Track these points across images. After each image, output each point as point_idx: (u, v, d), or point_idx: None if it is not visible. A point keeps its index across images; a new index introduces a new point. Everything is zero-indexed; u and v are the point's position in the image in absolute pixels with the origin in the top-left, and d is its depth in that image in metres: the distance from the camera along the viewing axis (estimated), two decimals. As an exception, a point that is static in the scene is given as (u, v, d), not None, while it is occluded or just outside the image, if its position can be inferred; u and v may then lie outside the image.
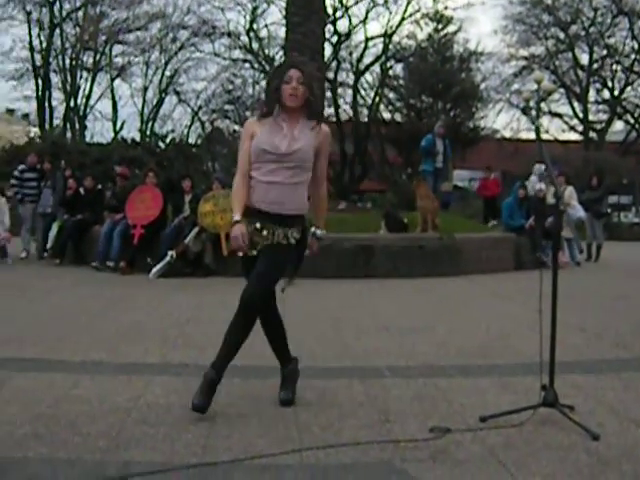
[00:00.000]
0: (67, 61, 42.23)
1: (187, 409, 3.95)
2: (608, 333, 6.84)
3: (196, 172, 22.82)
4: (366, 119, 39.05)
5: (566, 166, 21.97)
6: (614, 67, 43.00)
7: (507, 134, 42.39)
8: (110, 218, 12.98)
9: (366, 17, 38.88)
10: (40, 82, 41.58)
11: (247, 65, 41.69)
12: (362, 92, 40.13)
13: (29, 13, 41.03)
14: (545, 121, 42.72)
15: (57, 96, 43.01)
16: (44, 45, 41.60)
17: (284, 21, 21.11)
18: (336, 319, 7.55)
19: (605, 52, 42.49)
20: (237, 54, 42.07)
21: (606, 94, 43.72)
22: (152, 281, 11.04)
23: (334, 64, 37.86)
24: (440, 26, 38.69)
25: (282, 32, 26.97)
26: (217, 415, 3.97)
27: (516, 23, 42.86)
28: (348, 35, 38.81)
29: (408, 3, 38.02)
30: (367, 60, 39.34)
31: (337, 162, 37.98)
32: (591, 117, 43.42)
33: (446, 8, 38.25)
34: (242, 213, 4.06)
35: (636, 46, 41.30)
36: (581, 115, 43.21)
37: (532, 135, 42.09)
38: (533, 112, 27.82)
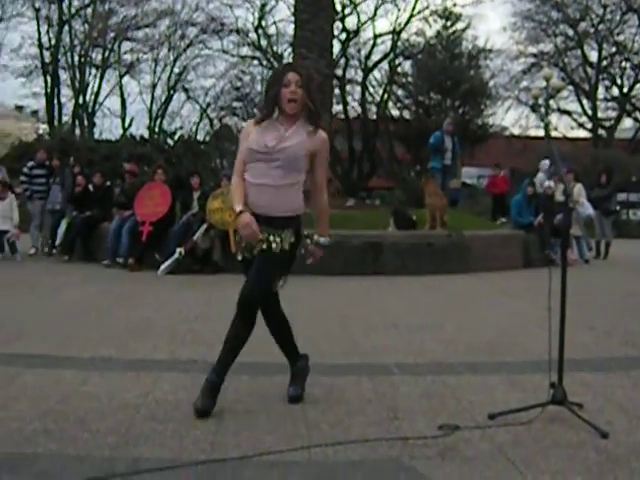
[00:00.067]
0: (76, 58, 42.34)
1: (196, 406, 3.96)
2: (617, 331, 6.82)
3: (204, 169, 22.84)
4: (374, 116, 39.08)
5: (575, 163, 21.91)
6: (623, 64, 42.89)
7: (516, 131, 42.41)
8: (119, 215, 13.00)
9: (375, 14, 38.97)
10: (49, 79, 41.67)
11: (255, 62, 41.80)
12: (370, 89, 40.22)
13: (38, 10, 41.12)
14: (554, 118, 42.69)
15: (66, 93, 43.16)
16: (53, 42, 41.67)
17: (293, 18, 21.15)
18: (344, 316, 7.55)
19: (614, 49, 42.37)
20: (245, 51, 42.19)
21: (615, 91, 43.65)
22: (161, 278, 11.05)
23: (342, 61, 37.90)
24: (449, 23, 38.70)
25: (291, 29, 27.00)
26: (225, 412, 3.98)
27: (525, 20, 42.80)
28: (357, 32, 38.84)
29: (417, 0, 38.04)
30: (375, 57, 39.44)
31: (345, 159, 38.04)
32: (600, 114, 43.33)
33: (455, 5, 38.35)
34: (243, 204, 4.06)
35: (645, 43, 41.20)
36: (590, 112, 43.09)
37: (541, 132, 42.12)
38: (542, 109, 27.74)
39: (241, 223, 4.02)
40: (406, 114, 38.98)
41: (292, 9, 25.11)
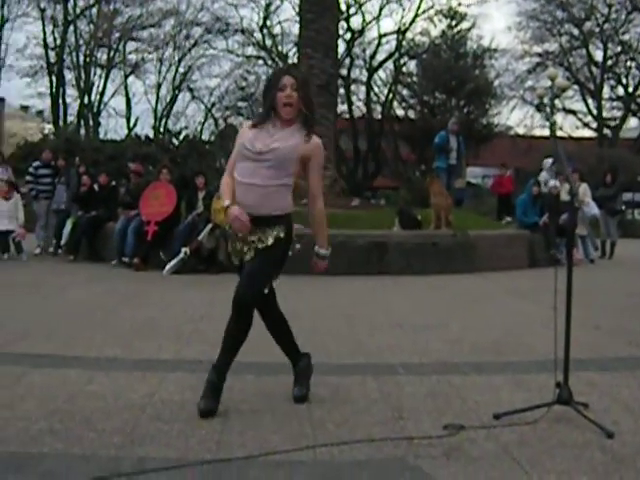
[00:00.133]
0: (81, 58, 42.43)
1: (201, 406, 3.96)
2: (623, 331, 6.81)
3: (209, 169, 22.78)
4: (379, 116, 39.12)
5: (580, 163, 21.88)
6: (628, 64, 42.86)
7: (521, 131, 42.44)
8: (124, 215, 13.03)
9: (379, 14, 39.03)
10: (54, 79, 41.78)
11: (260, 62, 41.86)
12: (375, 89, 40.25)
13: (43, 10, 41.26)
14: (559, 118, 42.58)
15: (71, 93, 43.29)
16: (58, 42, 41.79)
17: (298, 18, 21.17)
18: (349, 316, 7.55)
19: (619, 49, 42.33)
20: (250, 51, 42.27)
21: (620, 91, 43.63)
22: (166, 277, 11.06)
23: (347, 61, 37.96)
24: (454, 23, 38.73)
25: (296, 29, 27.09)
26: (231, 411, 3.98)
27: (530, 19, 42.80)
28: (361, 32, 38.90)
29: (421, 0, 38.04)
30: (380, 57, 39.49)
31: (350, 159, 38.06)
32: (605, 114, 43.29)
33: (460, 4, 38.38)
34: (233, 201, 4.07)
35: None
36: (595, 112, 43.05)
37: (546, 132, 42.00)
38: (547, 109, 27.73)
39: (230, 216, 4.03)
40: (411, 114, 39.03)
41: (297, 9, 25.12)
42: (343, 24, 35.39)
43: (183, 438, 3.55)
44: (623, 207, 20.66)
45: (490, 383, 4.72)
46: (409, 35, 39.10)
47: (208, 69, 56.28)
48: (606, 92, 43.61)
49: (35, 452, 3.33)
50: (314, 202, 4.21)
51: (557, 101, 30.02)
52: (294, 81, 4.07)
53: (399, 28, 38.75)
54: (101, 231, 13.52)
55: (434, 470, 3.18)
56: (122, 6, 42.39)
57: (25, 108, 50.01)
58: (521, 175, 24.96)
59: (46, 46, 41.66)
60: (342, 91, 35.18)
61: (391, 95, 39.40)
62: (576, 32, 42.77)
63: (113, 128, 48.80)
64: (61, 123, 40.56)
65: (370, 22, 39.28)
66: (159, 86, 45.45)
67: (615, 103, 44.12)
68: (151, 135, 34.60)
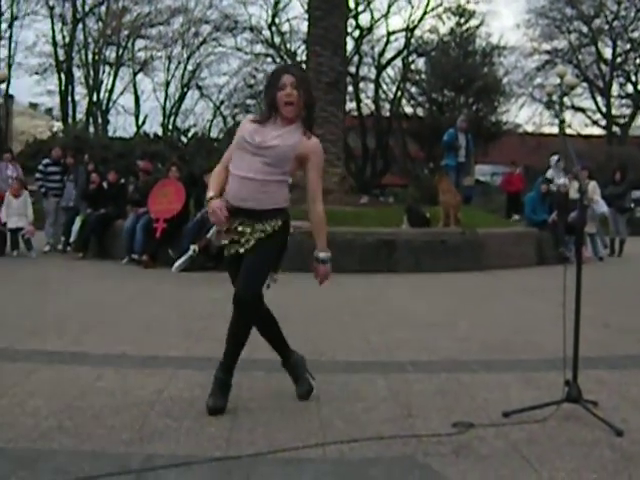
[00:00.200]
0: (90, 56, 42.56)
1: (210, 403, 3.96)
2: (632, 328, 6.79)
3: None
4: (388, 114, 39.08)
5: (589, 161, 21.82)
6: (637, 61, 42.76)
7: (529, 128, 42.34)
8: (133, 212, 13.05)
9: (388, 11, 39.02)
10: (63, 77, 41.90)
11: (269, 59, 41.82)
12: (384, 86, 40.19)
13: (52, 8, 41.38)
14: (568, 115, 42.60)
15: (80, 91, 43.44)
16: (67, 40, 41.92)
17: (306, 15, 21.16)
18: (358, 313, 7.55)
19: (629, 46, 42.25)
20: (259, 48, 42.29)
21: (629, 88, 43.51)
22: (175, 275, 11.07)
23: (356, 58, 37.93)
24: (462, 20, 38.67)
25: (304, 26, 27.07)
26: (240, 409, 3.99)
27: (539, 17, 42.76)
28: (370, 29, 38.89)
29: (430, -3, 38.01)
30: (389, 54, 39.46)
31: (359, 157, 38.04)
32: (614, 111, 43.20)
33: (468, 2, 38.31)
34: (218, 193, 4.03)
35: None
36: (604, 109, 42.97)
37: (555, 129, 41.95)
38: (556, 106, 27.68)
39: (210, 208, 4.00)
40: (419, 111, 38.96)
41: (306, 6, 25.10)
42: (352, 22, 35.40)
43: (192, 435, 3.56)
44: (632, 205, 20.52)
45: (499, 381, 4.71)
46: (418, 33, 39.12)
47: (217, 67, 56.54)
48: (615, 90, 43.59)
49: (45, 448, 3.34)
50: (313, 203, 4.11)
51: (566, 99, 30.01)
52: (294, 79, 4.03)
53: (407, 26, 38.76)
54: (110, 229, 13.56)
55: (443, 468, 3.17)
56: (131, 4, 42.55)
57: (34, 106, 50.17)
58: (530, 173, 24.88)
59: (55, 44, 41.82)
60: (351, 89, 35.15)
61: (400, 93, 39.35)
62: (585, 29, 42.71)
63: (122, 126, 49.01)
64: (70, 121, 40.71)
65: (379, 20, 39.34)
66: (168, 84, 45.58)
67: (624, 101, 44.05)
68: (160, 133, 34.75)
